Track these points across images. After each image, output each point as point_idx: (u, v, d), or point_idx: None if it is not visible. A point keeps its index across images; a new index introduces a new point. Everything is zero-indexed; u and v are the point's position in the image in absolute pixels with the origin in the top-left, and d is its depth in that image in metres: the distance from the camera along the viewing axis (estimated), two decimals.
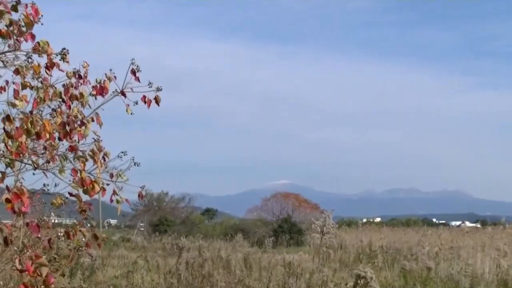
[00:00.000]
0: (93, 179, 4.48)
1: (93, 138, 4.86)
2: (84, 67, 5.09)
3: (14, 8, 4.28)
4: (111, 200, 4.83)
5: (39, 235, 4.29)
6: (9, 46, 4.55)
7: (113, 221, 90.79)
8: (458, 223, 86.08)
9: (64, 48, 4.84)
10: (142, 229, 61.77)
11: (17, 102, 4.70)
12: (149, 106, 5.01)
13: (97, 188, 4.46)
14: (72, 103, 4.98)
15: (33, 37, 4.54)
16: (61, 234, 4.98)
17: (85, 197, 4.68)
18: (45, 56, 4.74)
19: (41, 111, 4.92)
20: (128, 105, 5.00)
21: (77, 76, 5.05)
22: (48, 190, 5.01)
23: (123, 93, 4.98)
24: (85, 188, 4.45)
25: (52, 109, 4.95)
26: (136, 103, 5.01)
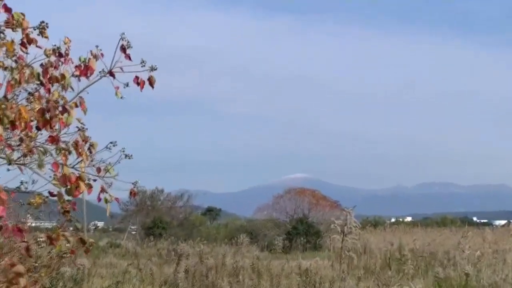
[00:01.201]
0: (78, 176, 4.47)
1: (77, 127, 4.85)
2: (65, 44, 5.05)
3: None
4: (99, 199, 4.82)
5: (24, 240, 4.30)
6: None
7: (99, 224, 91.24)
8: (503, 222, 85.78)
9: (42, 22, 4.81)
10: (134, 232, 61.96)
11: None
12: (142, 88, 4.98)
13: (82, 187, 4.45)
14: (52, 86, 4.94)
15: (7, 9, 4.51)
16: (42, 239, 4.97)
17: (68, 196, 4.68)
18: (20, 30, 4.71)
19: (16, 95, 4.90)
20: (118, 87, 4.97)
21: (57, 54, 5.00)
22: (25, 188, 5.01)
23: (111, 74, 4.96)
24: (69, 187, 4.43)
25: (29, 93, 4.93)
26: (127, 85, 4.99)
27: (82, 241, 4.82)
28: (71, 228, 5.05)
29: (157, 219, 55.87)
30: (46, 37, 4.86)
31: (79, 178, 4.54)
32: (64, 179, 4.45)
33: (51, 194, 4.68)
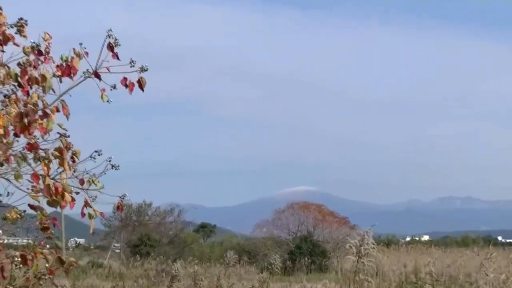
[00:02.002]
0: (63, 187, 4.49)
1: (59, 133, 4.85)
2: (45, 40, 5.05)
3: None
4: (83, 214, 4.82)
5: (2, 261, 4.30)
6: None
7: (80, 241, 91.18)
8: None
9: (21, 18, 4.83)
10: (118, 250, 61.91)
11: None
12: (131, 91, 5.00)
13: (68, 198, 4.46)
14: (31, 87, 4.95)
15: None
16: (17, 258, 4.97)
17: (48, 210, 4.69)
18: None
19: None
20: (104, 89, 5.00)
21: (36, 52, 5.01)
22: (0, 201, 5.02)
23: (97, 75, 4.98)
24: (54, 198, 4.43)
25: (5, 96, 4.95)
26: (114, 88, 5.01)
27: (61, 261, 4.81)
28: (48, 246, 5.04)
29: (144, 236, 55.84)
30: (25, 36, 4.87)
31: (64, 188, 4.55)
32: (48, 190, 4.45)
33: (31, 206, 4.69)
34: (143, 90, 5.06)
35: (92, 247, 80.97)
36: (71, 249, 69.56)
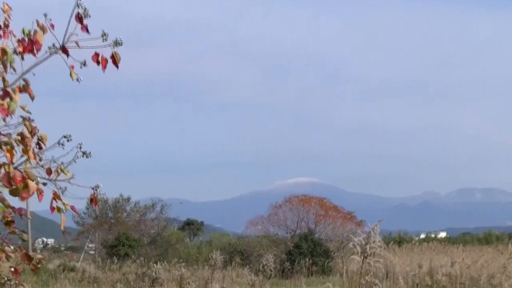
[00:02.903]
0: (25, 174, 4.48)
1: (22, 116, 4.85)
2: (4, 12, 5.03)
3: None
4: (52, 209, 4.82)
5: None
6: None
7: (49, 241, 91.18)
8: None
9: None
10: (93, 252, 61.96)
11: None
12: (104, 68, 4.98)
13: (32, 187, 4.45)
14: None
15: None
16: None
17: (13, 201, 4.68)
18: None
19: None
20: (73, 66, 4.99)
21: None
22: None
23: (64, 50, 4.97)
24: (15, 187, 4.42)
25: None
26: (84, 65, 5.01)
27: (28, 258, 4.80)
28: (5, 243, 5.01)
29: (122, 235, 55.85)
30: None
31: (28, 176, 4.52)
32: (7, 178, 4.41)
33: None
34: (117, 66, 5.01)
35: (62, 248, 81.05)
36: (38, 251, 69.59)
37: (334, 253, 50.13)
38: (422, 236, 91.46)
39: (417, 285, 30.82)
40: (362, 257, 14.75)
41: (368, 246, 14.65)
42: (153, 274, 22.38)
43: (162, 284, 23.59)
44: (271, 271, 33.64)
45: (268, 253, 48.87)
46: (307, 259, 46.84)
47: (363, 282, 15.30)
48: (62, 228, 5.04)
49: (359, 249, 14.82)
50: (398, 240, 62.63)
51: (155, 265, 28.24)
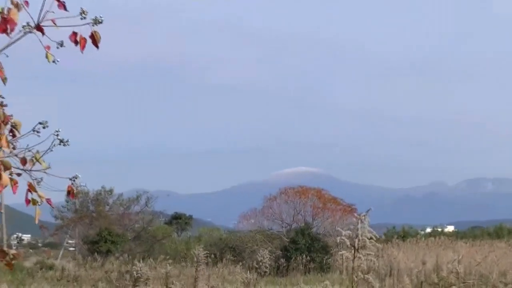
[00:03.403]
0: (2, 164, 4.47)
1: None
2: None
3: None
4: (27, 201, 4.82)
5: None
6: None
7: (25, 237, 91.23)
8: None
9: None
10: (72, 248, 62.01)
11: None
12: (83, 48, 4.98)
13: (5, 179, 4.45)
14: None
15: None
16: None
17: None
18: None
19: None
20: (49, 47, 4.98)
21: None
22: None
23: (40, 29, 4.97)
24: None
25: None
26: (62, 45, 5.01)
27: (2, 253, 4.79)
28: None
29: (105, 231, 55.90)
30: None
31: (3, 165, 4.52)
32: None
33: None
34: (97, 46, 5.00)
35: (40, 244, 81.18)
36: (13, 247, 69.61)
37: (333, 249, 50.21)
38: (428, 230, 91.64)
39: (422, 283, 30.91)
40: (353, 252, 14.70)
41: (357, 240, 14.59)
42: (134, 272, 22.30)
43: (146, 283, 23.60)
44: (266, 268, 33.65)
45: (263, 249, 49.00)
46: (304, 256, 46.98)
47: (355, 278, 15.22)
48: (36, 221, 5.04)
49: (348, 242, 14.75)
50: (403, 235, 62.82)
51: (137, 262, 28.24)
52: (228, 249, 53.51)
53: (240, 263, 47.08)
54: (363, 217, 14.81)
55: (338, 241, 14.89)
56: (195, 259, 39.67)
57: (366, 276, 15.01)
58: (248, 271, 43.06)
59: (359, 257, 14.57)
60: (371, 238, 14.55)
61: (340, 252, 14.88)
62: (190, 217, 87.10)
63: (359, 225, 14.63)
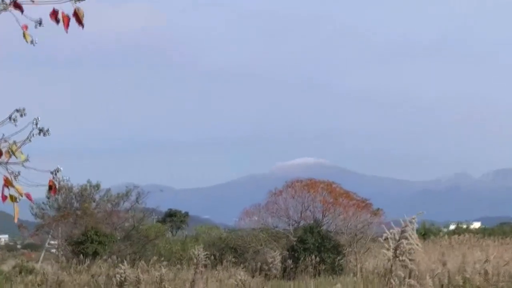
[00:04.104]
0: None
1: None
2: None
3: None
4: (4, 198, 4.83)
5: None
6: None
7: (2, 237, 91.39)
8: None
9: None
10: (55, 250, 62.00)
11: None
12: (66, 27, 4.96)
13: None
14: None
15: None
16: None
17: None
18: None
19: None
20: (26, 27, 4.98)
21: None
22: None
23: (17, 6, 4.96)
24: None
25: None
26: (40, 24, 4.99)
27: None
28: None
29: (91, 230, 55.99)
30: None
31: None
32: None
33: None
34: (82, 25, 4.99)
35: (19, 246, 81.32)
36: None
37: (346, 248, 50.26)
38: (452, 227, 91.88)
39: (444, 285, 30.97)
40: (394, 254, 14.76)
41: (404, 242, 14.61)
42: (118, 276, 22.30)
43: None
44: (277, 270, 33.73)
45: (271, 249, 48.97)
46: (313, 256, 46.98)
47: (393, 283, 15.30)
48: (15, 220, 5.05)
49: (391, 244, 14.77)
50: (423, 232, 62.91)
51: (121, 265, 28.22)
52: (228, 249, 53.59)
53: (242, 265, 47.16)
54: (413, 220, 14.85)
55: (383, 238, 14.91)
56: (195, 261, 39.74)
57: (409, 281, 15.06)
58: (251, 274, 43.25)
59: (403, 261, 14.61)
60: (417, 244, 14.60)
61: (383, 251, 14.90)
62: (186, 214, 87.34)
63: (407, 228, 14.67)
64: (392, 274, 15.09)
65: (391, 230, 14.89)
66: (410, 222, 14.77)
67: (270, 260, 42.21)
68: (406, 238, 14.58)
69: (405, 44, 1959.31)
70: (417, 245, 14.66)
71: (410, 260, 14.75)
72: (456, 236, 52.85)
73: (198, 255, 37.85)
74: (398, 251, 14.68)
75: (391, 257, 14.78)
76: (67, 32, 4.95)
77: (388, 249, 14.77)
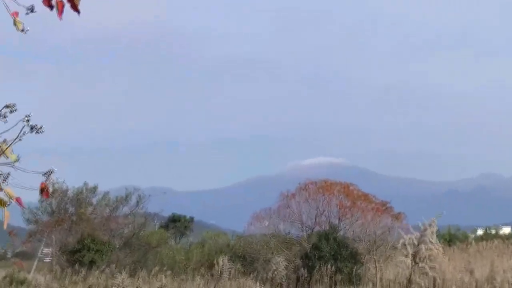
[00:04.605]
0: None
1: None
2: None
3: None
4: None
5: None
6: None
7: None
8: None
9: None
10: (49, 259, 62.12)
11: None
12: (60, 13, 4.94)
13: None
14: None
15: None
16: None
17: None
18: None
19: None
20: (17, 13, 4.97)
21: None
22: None
23: None
24: None
25: None
26: (32, 10, 4.98)
27: None
28: None
29: (87, 237, 56.07)
30: None
31: None
32: None
33: None
34: (78, 11, 4.95)
35: (9, 254, 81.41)
36: None
37: (364, 256, 50.22)
38: (479, 232, 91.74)
39: None
40: (413, 261, 14.72)
41: (423, 247, 14.57)
42: (116, 287, 22.42)
43: None
44: (282, 279, 33.69)
45: (280, 258, 48.89)
46: (329, 265, 46.99)
47: None
48: (5, 226, 5.02)
49: (410, 250, 14.73)
50: (448, 238, 62.79)
51: (120, 275, 28.35)
52: (237, 258, 53.59)
53: (252, 275, 47.17)
54: (433, 223, 14.77)
55: (399, 245, 14.87)
56: (218, 271, 39.74)
57: None
58: (262, 284, 43.25)
59: (423, 268, 14.53)
60: (438, 249, 14.50)
61: (400, 258, 14.86)
62: (191, 219, 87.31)
63: (427, 232, 14.60)
64: (412, 284, 15.04)
65: (408, 235, 14.85)
66: (430, 225, 14.71)
67: (274, 267, 42.12)
68: (425, 243, 14.53)
69: (433, 36, 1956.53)
70: (438, 249, 14.60)
71: (430, 267, 14.68)
72: (484, 242, 52.71)
73: (223, 265, 37.83)
74: (417, 258, 14.63)
75: (410, 264, 14.73)
76: (60, 19, 4.91)
77: (406, 256, 14.74)
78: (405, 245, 13.48)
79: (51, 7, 4.92)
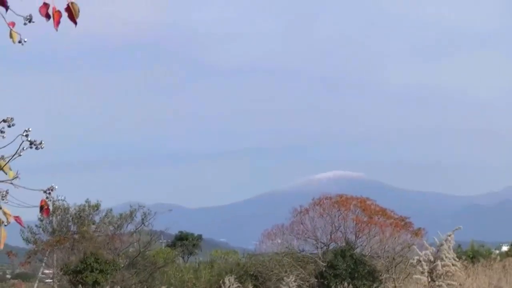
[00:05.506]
0: None
1: None
2: None
3: None
4: None
5: None
6: None
7: None
8: None
9: None
10: (50, 280, 62.13)
11: None
12: (57, 24, 4.97)
13: None
14: None
15: None
16: None
17: None
18: None
19: None
20: (13, 24, 5.00)
21: None
22: None
23: (1, 2, 4.98)
24: None
25: None
26: (30, 21, 5.01)
27: None
28: None
29: (90, 257, 56.08)
30: None
31: None
32: None
33: None
34: (75, 22, 4.99)
35: (8, 275, 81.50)
36: None
37: (383, 274, 50.15)
38: (505, 248, 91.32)
39: None
40: (429, 279, 14.69)
41: (439, 263, 14.54)
42: None
43: None
44: None
45: (294, 277, 48.81)
46: (345, 284, 46.91)
47: None
48: (1, 246, 5.04)
49: (425, 267, 14.71)
50: (471, 255, 62.52)
51: None
52: (248, 277, 53.55)
53: None
54: (449, 236, 14.73)
55: (413, 261, 14.83)
56: None
57: None
58: None
59: (439, 286, 14.48)
60: (454, 265, 14.45)
61: (415, 276, 14.81)
62: (199, 237, 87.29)
63: (444, 247, 14.55)
64: None
65: (423, 252, 14.79)
66: (446, 240, 14.66)
67: (286, 287, 42.04)
68: (442, 259, 14.48)
69: (458, 35, 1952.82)
70: (456, 265, 14.53)
71: (448, 284, 14.62)
72: (510, 258, 52.50)
73: (230, 286, 37.65)
74: (434, 275, 14.59)
75: (427, 282, 14.69)
76: (56, 29, 4.94)
77: (422, 273, 14.70)
78: (420, 261, 13.40)
79: (48, 17, 4.95)
